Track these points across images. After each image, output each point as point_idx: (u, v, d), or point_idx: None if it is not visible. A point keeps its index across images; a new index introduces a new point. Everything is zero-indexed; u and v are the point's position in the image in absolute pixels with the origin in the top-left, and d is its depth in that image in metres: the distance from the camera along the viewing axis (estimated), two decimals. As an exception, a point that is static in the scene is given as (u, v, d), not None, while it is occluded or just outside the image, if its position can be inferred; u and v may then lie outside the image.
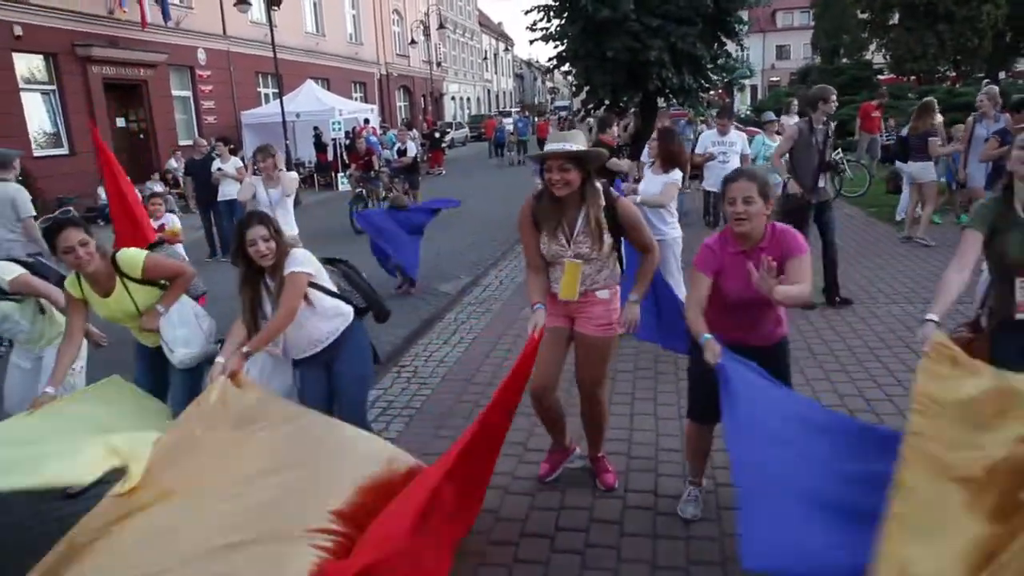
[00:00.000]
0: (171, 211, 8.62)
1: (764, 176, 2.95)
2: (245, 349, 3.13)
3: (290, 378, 3.55)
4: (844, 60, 41.99)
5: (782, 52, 66.94)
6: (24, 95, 15.48)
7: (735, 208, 2.84)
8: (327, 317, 3.38)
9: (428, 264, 8.45)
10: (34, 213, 6.25)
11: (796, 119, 13.07)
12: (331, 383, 3.47)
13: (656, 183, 5.56)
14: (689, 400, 3.33)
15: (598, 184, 3.21)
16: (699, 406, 3.22)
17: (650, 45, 10.04)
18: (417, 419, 4.54)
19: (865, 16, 35.48)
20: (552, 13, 10.77)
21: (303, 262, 3.25)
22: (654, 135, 5.93)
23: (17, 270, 3.78)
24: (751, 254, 2.88)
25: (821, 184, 6.20)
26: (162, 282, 3.61)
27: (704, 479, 3.41)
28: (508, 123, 30.00)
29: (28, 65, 15.75)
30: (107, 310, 3.53)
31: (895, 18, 32.86)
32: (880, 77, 33.48)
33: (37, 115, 16.13)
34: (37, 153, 15.71)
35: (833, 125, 6.49)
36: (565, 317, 3.36)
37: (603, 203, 3.19)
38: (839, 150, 5.92)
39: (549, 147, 3.09)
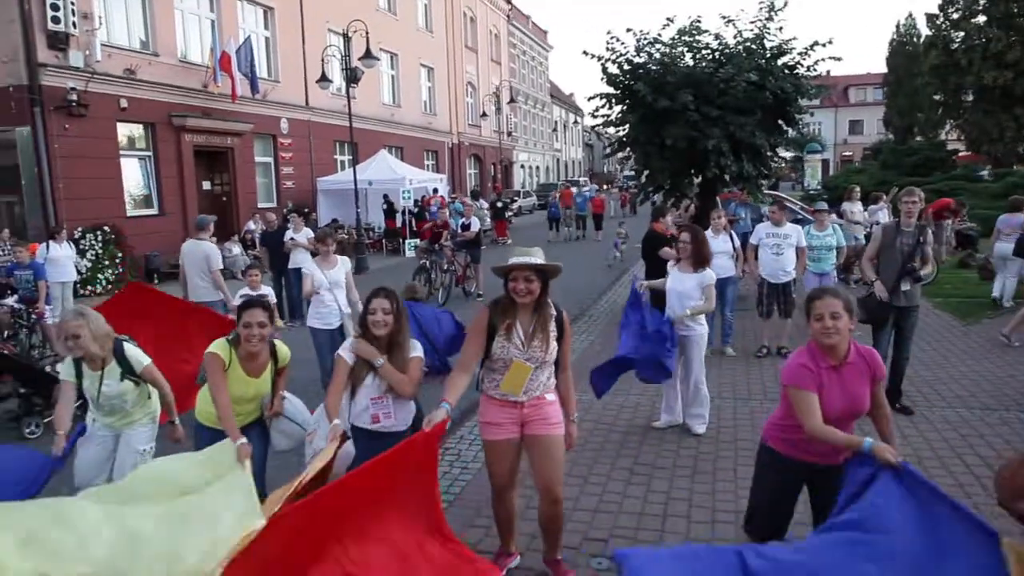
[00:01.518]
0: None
1: (848, 294, 3.12)
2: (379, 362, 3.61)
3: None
4: (918, 138, 41.40)
5: (855, 127, 66.37)
6: (123, 160, 16.76)
7: (823, 323, 2.99)
8: (411, 406, 3.77)
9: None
10: (222, 267, 8.27)
11: (858, 205, 13.05)
12: None
13: (691, 285, 5.71)
14: (754, 512, 3.33)
15: (550, 300, 3.55)
16: (767, 521, 3.24)
17: (708, 134, 10.21)
18: (456, 505, 4.65)
19: (939, 97, 35.04)
20: (613, 100, 11.11)
21: (420, 351, 3.73)
22: (686, 237, 5.94)
23: (148, 359, 4.15)
24: (840, 369, 3.05)
25: (905, 287, 5.99)
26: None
27: None
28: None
29: (128, 133, 17.08)
30: (246, 389, 3.87)
31: (969, 99, 32.37)
32: (958, 156, 32.88)
33: (133, 177, 17.39)
34: (130, 212, 16.88)
35: (929, 232, 6.33)
36: (515, 425, 3.53)
37: (554, 313, 3.53)
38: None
39: (515, 260, 3.41)
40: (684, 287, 5.73)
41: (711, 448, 5.46)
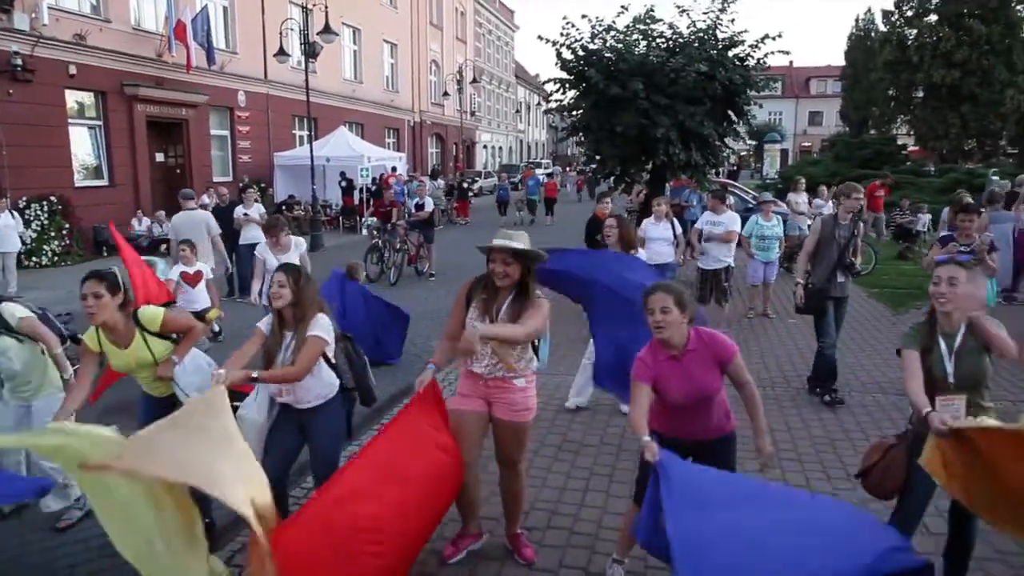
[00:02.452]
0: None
1: (680, 289, 3.31)
2: (254, 373, 3.43)
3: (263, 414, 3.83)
4: (872, 132, 42.38)
5: (815, 118, 67.57)
6: (72, 128, 16.37)
7: (654, 318, 3.20)
8: (320, 385, 3.71)
9: (421, 323, 8.64)
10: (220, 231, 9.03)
11: (803, 196, 13.45)
12: (299, 442, 3.79)
13: None
14: (637, 485, 3.54)
15: (539, 292, 3.58)
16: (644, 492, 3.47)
17: (658, 122, 10.45)
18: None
19: (892, 92, 35.91)
20: (567, 86, 11.26)
21: (326, 329, 3.63)
22: (611, 222, 6.13)
23: (27, 312, 4.14)
24: (681, 358, 3.24)
25: (841, 279, 6.21)
26: (174, 336, 3.99)
27: (629, 558, 3.64)
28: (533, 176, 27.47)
29: (78, 100, 16.68)
30: (123, 360, 3.84)
31: (920, 96, 33.28)
32: (908, 150, 33.80)
33: (82, 147, 17.00)
34: (79, 183, 16.53)
35: (862, 225, 6.50)
36: (482, 400, 3.63)
37: (541, 303, 3.54)
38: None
39: (496, 242, 3.45)
40: None
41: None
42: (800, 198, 13.17)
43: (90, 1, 16.75)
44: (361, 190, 21.67)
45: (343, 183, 22.05)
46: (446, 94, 37.85)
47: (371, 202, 20.54)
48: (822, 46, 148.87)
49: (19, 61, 14.29)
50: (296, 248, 6.97)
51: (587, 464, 5.00)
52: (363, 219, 20.69)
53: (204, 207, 18.46)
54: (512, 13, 56.42)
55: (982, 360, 3.16)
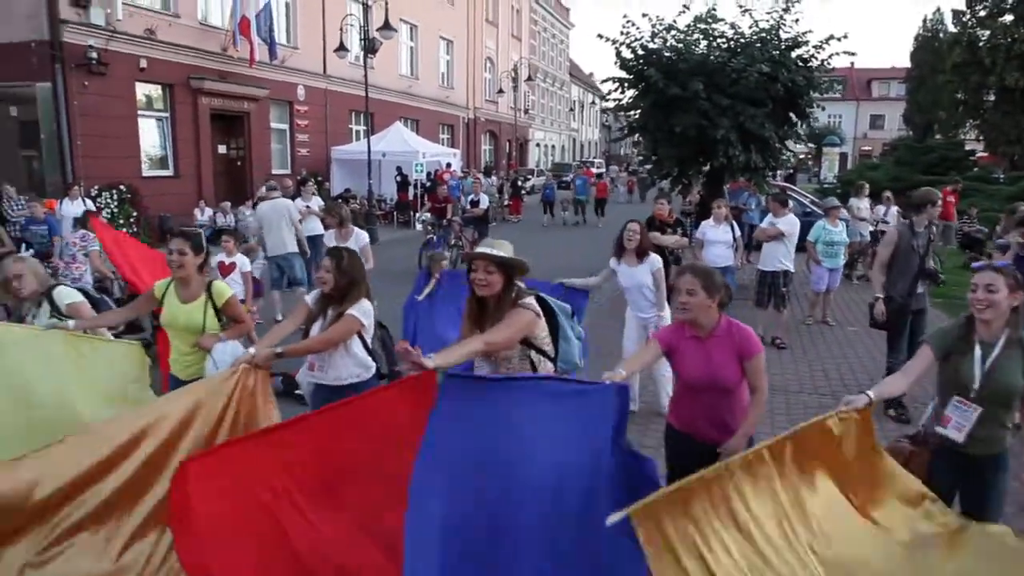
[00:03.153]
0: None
1: (711, 272, 3.36)
2: (279, 349, 3.53)
3: None
4: (937, 137, 41.01)
5: (876, 122, 65.74)
6: (140, 120, 16.95)
7: (680, 298, 3.28)
8: (354, 363, 3.91)
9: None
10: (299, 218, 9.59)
11: (866, 202, 13.10)
12: None
13: (643, 273, 5.85)
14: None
15: (527, 299, 3.36)
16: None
17: (718, 123, 10.31)
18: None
19: (960, 96, 34.66)
20: (626, 85, 11.20)
21: (364, 312, 3.82)
22: (635, 227, 5.84)
23: (78, 297, 4.42)
24: (705, 341, 3.28)
25: (921, 289, 5.92)
26: (223, 320, 4.17)
27: None
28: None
29: (147, 93, 17.25)
30: (175, 313, 4.08)
31: (991, 99, 32.03)
32: (977, 156, 32.61)
33: (149, 138, 17.59)
34: (146, 173, 17.11)
35: (936, 229, 6.17)
36: None
37: (528, 312, 3.31)
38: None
39: (477, 249, 3.42)
40: (637, 279, 5.77)
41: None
42: (863, 203, 12.84)
43: (160, -3, 17.31)
44: (415, 185, 21.90)
45: (399, 178, 22.33)
46: (501, 91, 37.96)
47: (425, 197, 20.76)
48: (885, 47, 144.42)
49: (94, 55, 14.85)
50: (356, 239, 7.04)
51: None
52: (417, 214, 20.93)
53: (262, 200, 19.10)
54: (567, 11, 56.26)
55: (1018, 376, 3.05)
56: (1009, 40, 29.60)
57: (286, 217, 9.20)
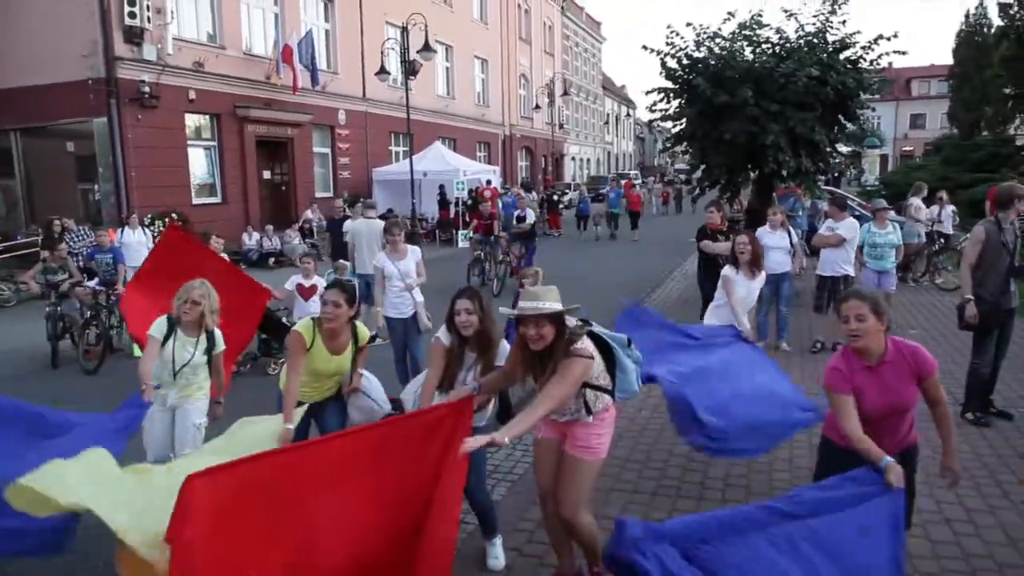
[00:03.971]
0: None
1: (876, 295, 3.20)
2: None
3: None
4: (984, 134, 39.93)
5: (916, 121, 64.43)
6: (190, 149, 17.41)
7: (849, 326, 3.11)
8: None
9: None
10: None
11: (919, 200, 12.79)
12: None
13: (756, 287, 5.95)
14: None
15: (579, 344, 3.21)
16: None
17: (768, 129, 10.15)
18: (519, 485, 4.86)
19: (1009, 90, 33.73)
20: (672, 95, 11.14)
21: (504, 352, 3.71)
22: (744, 239, 6.02)
23: (224, 347, 4.56)
24: (877, 368, 3.13)
25: (1012, 288, 5.75)
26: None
27: None
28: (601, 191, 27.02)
29: (195, 123, 17.72)
30: (328, 365, 4.14)
31: (1042, 92, 31.09)
32: (1027, 152, 31.68)
33: (199, 167, 18.06)
34: (195, 200, 17.53)
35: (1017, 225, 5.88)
36: (558, 429, 3.48)
37: (578, 360, 3.18)
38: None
39: (523, 305, 3.17)
40: (751, 290, 5.88)
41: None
42: (917, 201, 12.57)
43: (207, 30, 17.80)
44: (456, 203, 22.07)
45: (439, 196, 22.53)
46: (537, 107, 38.14)
47: (467, 215, 20.88)
48: (922, 45, 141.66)
49: (147, 89, 15.32)
50: (412, 255, 6.90)
51: (720, 475, 4.90)
52: (460, 231, 21.05)
53: (308, 222, 19.43)
54: (599, 25, 56.44)
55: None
56: (1058, 31, 28.78)
57: (379, 237, 9.17)
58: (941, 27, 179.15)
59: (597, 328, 3.48)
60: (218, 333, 4.49)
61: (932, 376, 3.13)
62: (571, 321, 3.29)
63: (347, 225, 10.18)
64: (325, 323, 4.06)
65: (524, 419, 3.08)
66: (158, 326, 4.34)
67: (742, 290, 5.86)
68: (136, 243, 12.21)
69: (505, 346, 3.74)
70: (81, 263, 11.08)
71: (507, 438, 2.95)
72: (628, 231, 23.11)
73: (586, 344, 3.26)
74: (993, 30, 38.98)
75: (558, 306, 3.16)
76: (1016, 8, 31.41)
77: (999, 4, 32.44)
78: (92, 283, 9.55)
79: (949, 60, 50.50)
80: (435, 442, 3.15)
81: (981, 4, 48.45)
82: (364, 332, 4.31)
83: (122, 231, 12.39)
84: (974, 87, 44.72)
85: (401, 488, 3.08)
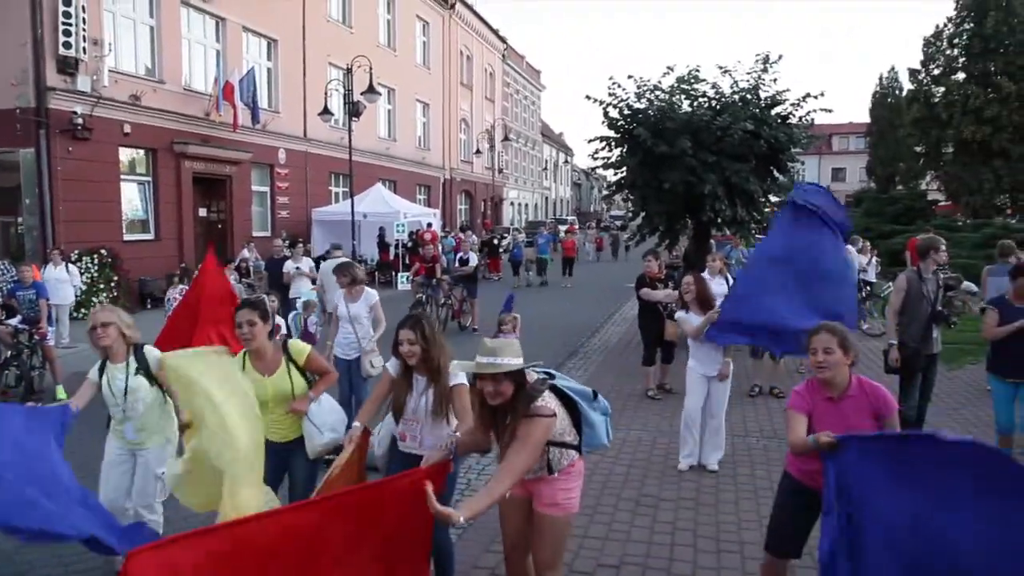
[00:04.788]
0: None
1: (845, 330, 3.34)
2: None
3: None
4: (899, 187, 42.35)
5: (838, 175, 67.81)
6: (123, 184, 16.89)
7: (816, 358, 3.25)
8: (437, 437, 3.64)
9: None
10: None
11: (854, 249, 13.36)
12: None
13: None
14: (769, 530, 3.59)
15: (539, 402, 3.05)
16: (777, 537, 3.51)
17: (705, 179, 10.56)
18: (470, 531, 4.72)
19: (920, 149, 35.99)
20: (613, 143, 11.46)
21: (462, 378, 3.61)
22: (689, 279, 6.26)
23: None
24: (839, 402, 3.27)
25: (935, 334, 6.06)
26: (309, 377, 4.09)
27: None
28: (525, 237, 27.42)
29: (130, 157, 17.24)
30: (262, 390, 3.90)
31: (950, 151, 33.29)
32: (938, 205, 33.66)
33: (131, 202, 17.50)
34: (127, 237, 16.95)
35: (942, 276, 6.30)
36: (523, 488, 3.32)
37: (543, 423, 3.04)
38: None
39: (481, 361, 3.00)
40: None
41: (712, 481, 5.64)
42: (855, 252, 13.16)
43: (146, 64, 17.47)
44: (397, 245, 21.98)
45: (378, 239, 22.41)
46: (478, 152, 38.55)
47: (407, 257, 20.78)
48: (843, 103, 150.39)
49: (80, 120, 14.86)
50: (365, 300, 6.77)
51: (669, 519, 4.94)
52: (399, 274, 20.92)
53: (244, 261, 19.00)
54: (539, 73, 57.76)
55: None
56: (963, 96, 30.97)
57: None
58: (859, 87, 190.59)
59: (561, 382, 3.35)
60: (147, 347, 4.30)
61: (891, 416, 3.27)
62: (532, 375, 3.15)
63: (321, 267, 10.78)
64: (244, 344, 3.95)
65: (485, 495, 2.95)
66: (93, 370, 4.21)
67: (697, 324, 5.99)
68: (58, 280, 11.73)
69: (456, 364, 3.58)
70: (0, 300, 10.53)
71: (463, 517, 2.80)
72: (560, 278, 22.88)
73: (548, 401, 3.11)
74: (904, 93, 41.62)
75: (517, 361, 3.00)
76: (923, 74, 33.73)
77: (909, 70, 34.81)
78: (14, 321, 9.09)
79: (866, 118, 53.60)
80: (408, 505, 3.03)
81: (892, 69, 51.85)
82: (299, 349, 4.07)
83: (44, 267, 11.90)
84: (888, 144, 47.59)
85: (372, 555, 3.02)
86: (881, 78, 52.06)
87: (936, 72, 33.15)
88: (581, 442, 3.35)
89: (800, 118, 11.62)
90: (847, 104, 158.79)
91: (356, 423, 3.71)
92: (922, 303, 5.98)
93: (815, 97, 11.49)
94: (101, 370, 4.19)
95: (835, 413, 3.25)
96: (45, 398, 8.45)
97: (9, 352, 8.74)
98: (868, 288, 13.43)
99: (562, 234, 30.38)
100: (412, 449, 3.71)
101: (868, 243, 14.55)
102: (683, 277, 6.71)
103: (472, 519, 2.79)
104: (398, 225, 21.61)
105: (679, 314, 6.26)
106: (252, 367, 3.97)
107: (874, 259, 14.14)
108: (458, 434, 3.42)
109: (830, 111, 11.78)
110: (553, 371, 3.41)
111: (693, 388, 6.00)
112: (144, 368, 4.21)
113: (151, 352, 4.29)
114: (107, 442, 4.31)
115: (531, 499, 3.32)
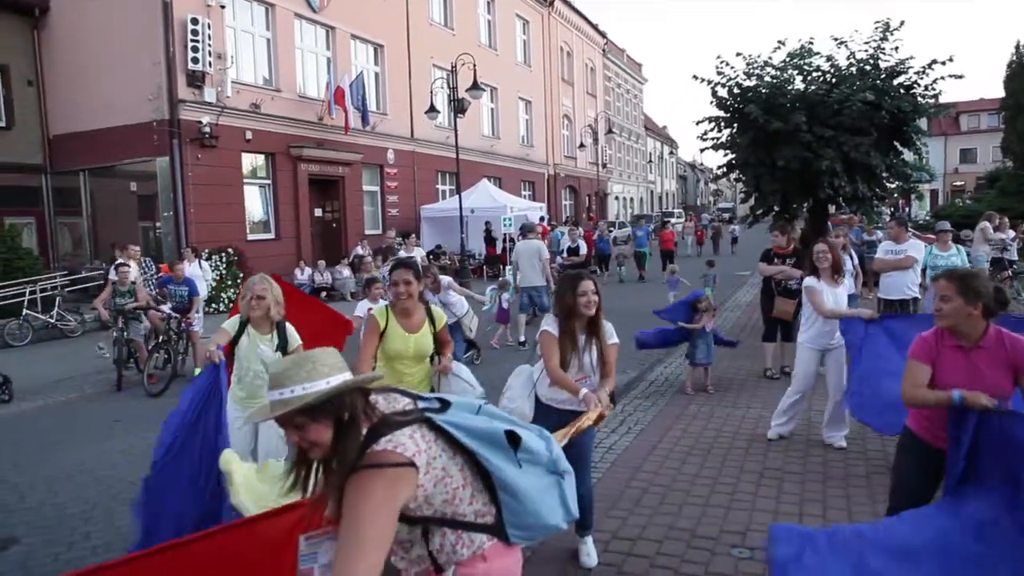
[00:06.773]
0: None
1: (969, 276, 3.05)
2: (609, 389, 3.64)
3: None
4: (1041, 164, 38.90)
5: (967, 155, 63.12)
6: (246, 187, 17.96)
7: (935, 304, 3.08)
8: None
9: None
10: (548, 257, 10.91)
11: (990, 225, 12.46)
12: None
13: (842, 294, 5.73)
14: (892, 501, 3.32)
15: (383, 442, 1.76)
16: (904, 504, 3.17)
17: (822, 155, 10.08)
18: (586, 500, 4.79)
19: (1066, 120, 32.95)
20: (723, 123, 11.14)
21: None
22: (823, 247, 5.80)
23: (300, 342, 4.49)
24: (970, 351, 3.01)
25: None
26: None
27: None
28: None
29: (251, 162, 18.30)
30: (404, 344, 4.08)
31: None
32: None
33: (253, 204, 18.58)
34: (250, 237, 18.00)
35: None
36: None
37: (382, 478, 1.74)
38: None
39: (270, 399, 1.83)
40: (837, 298, 5.66)
41: (840, 456, 5.39)
42: (990, 227, 12.31)
43: (263, 74, 18.48)
44: (504, 239, 22.23)
45: (485, 233, 22.75)
46: (582, 145, 38.48)
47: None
48: (971, 80, 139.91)
49: (207, 129, 15.91)
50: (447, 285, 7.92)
51: (795, 491, 4.75)
52: (506, 266, 21.13)
53: (359, 257, 19.75)
54: (640, 66, 56.97)
55: None
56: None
57: (537, 255, 10.60)
58: (989, 61, 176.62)
59: (450, 418, 1.90)
60: (290, 327, 4.48)
61: None
62: (383, 402, 1.91)
63: (516, 247, 11.79)
64: (398, 303, 4.10)
65: None
66: (231, 323, 4.41)
67: (829, 298, 5.58)
68: (192, 275, 12.55)
69: (609, 325, 3.82)
70: (153, 291, 11.42)
71: None
72: (657, 273, 20.65)
73: (404, 442, 1.78)
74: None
75: (319, 385, 1.78)
76: (1069, 37, 30.80)
77: (1051, 35, 31.85)
78: (166, 308, 9.85)
79: (999, 93, 49.62)
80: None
81: (1031, 36, 47.60)
82: (440, 314, 4.29)
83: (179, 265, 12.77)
84: (1027, 119, 43.72)
85: None
86: (1018, 46, 47.93)
87: (1081, 36, 30.25)
88: (502, 519, 1.96)
89: (926, 87, 10.87)
90: (976, 80, 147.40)
91: (584, 390, 3.59)
92: None
93: (942, 63, 10.73)
94: (241, 329, 4.38)
95: (965, 364, 2.98)
96: (185, 381, 9.10)
97: (161, 337, 9.53)
98: (1012, 267, 12.48)
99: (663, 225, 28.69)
100: (567, 405, 3.71)
101: (1007, 220, 13.48)
102: (803, 257, 6.39)
103: None
104: (505, 219, 21.85)
105: (808, 280, 5.72)
106: (397, 323, 4.11)
107: (1018, 236, 13.12)
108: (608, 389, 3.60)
109: (960, 77, 10.91)
110: (449, 397, 2.06)
111: (803, 362, 5.71)
112: (283, 346, 4.41)
113: (293, 335, 4.46)
114: (227, 408, 4.07)
115: None
